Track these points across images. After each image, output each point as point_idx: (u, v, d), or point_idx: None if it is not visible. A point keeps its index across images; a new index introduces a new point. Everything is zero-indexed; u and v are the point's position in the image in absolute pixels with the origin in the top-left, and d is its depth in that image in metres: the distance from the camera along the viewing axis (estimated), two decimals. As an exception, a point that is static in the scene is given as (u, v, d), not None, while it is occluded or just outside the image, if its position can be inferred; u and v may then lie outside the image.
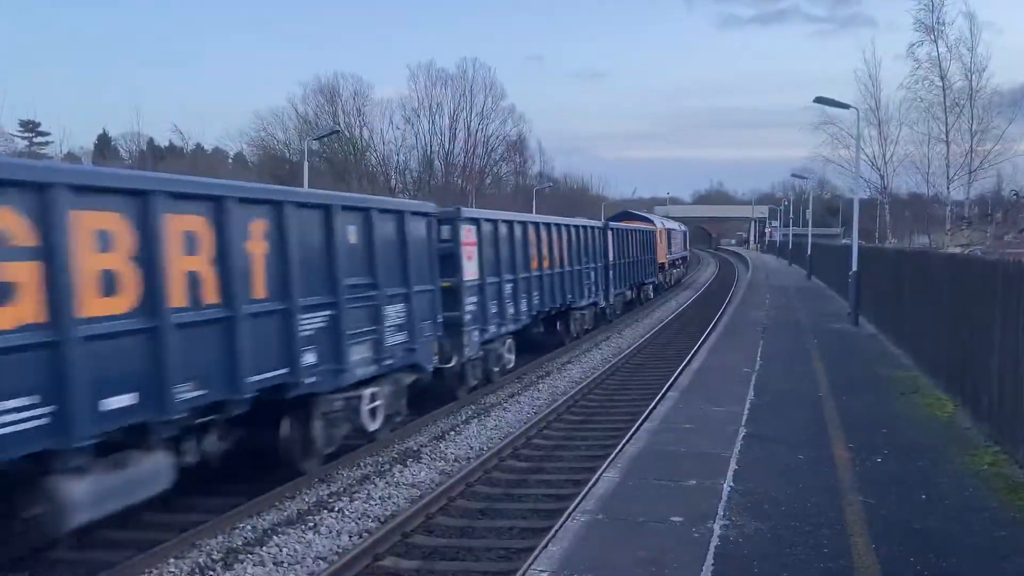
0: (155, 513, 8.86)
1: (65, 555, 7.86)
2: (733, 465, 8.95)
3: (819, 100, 26.52)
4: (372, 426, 11.55)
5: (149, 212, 7.58)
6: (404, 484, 10.59)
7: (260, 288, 9.05)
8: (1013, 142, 40.82)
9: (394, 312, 11.92)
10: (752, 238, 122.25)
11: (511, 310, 17.73)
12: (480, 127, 78.92)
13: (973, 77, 41.25)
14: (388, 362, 11.70)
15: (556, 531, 6.97)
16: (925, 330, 14.91)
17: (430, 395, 14.05)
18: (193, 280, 8.12)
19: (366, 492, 10.14)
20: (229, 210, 8.55)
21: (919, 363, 15.26)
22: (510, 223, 18.36)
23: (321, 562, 8.06)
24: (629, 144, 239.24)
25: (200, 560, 8.00)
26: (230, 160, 77.14)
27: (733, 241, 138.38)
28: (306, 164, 29.57)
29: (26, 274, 6.44)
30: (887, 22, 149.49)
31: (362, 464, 11.27)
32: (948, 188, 41.85)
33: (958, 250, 27.84)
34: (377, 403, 11.65)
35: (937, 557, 6.46)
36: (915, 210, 51.23)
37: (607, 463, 9.42)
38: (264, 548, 8.30)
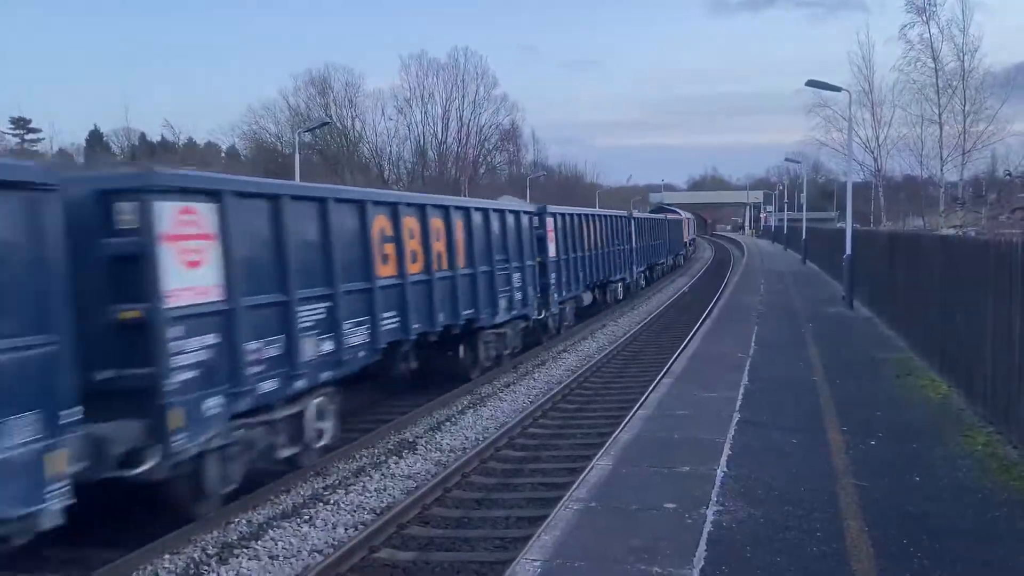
0: (149, 509, 8.83)
1: (60, 553, 7.85)
2: (727, 451, 8.94)
3: (811, 83, 26.45)
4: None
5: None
6: (400, 476, 10.58)
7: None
8: (1006, 123, 40.62)
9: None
10: (747, 223, 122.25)
11: (641, 256, 35.22)
12: (473, 116, 78.68)
13: (965, 58, 41.06)
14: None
15: (549, 521, 6.96)
16: (919, 312, 14.92)
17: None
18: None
19: (361, 484, 10.14)
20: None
21: (913, 345, 15.28)
22: (637, 219, 36.26)
23: (317, 555, 8.05)
24: (623, 131, 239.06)
25: (195, 555, 7.99)
26: (223, 154, 76.87)
27: (728, 227, 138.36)
28: (297, 157, 29.50)
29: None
30: (876, 4, 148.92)
31: (357, 456, 11.27)
32: (942, 170, 41.78)
33: (952, 231, 27.84)
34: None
35: (931, 539, 6.46)
36: (910, 192, 51.19)
37: (601, 451, 9.40)
38: (259, 542, 8.29)
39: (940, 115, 40.92)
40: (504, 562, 7.32)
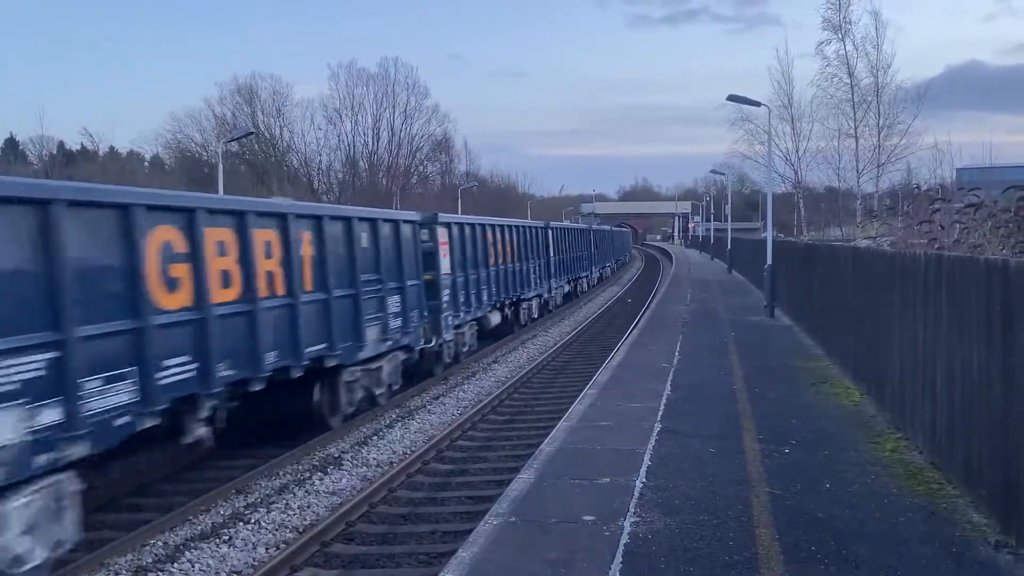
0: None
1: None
2: (647, 461, 9.09)
3: (732, 98, 27.13)
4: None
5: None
6: (324, 492, 10.48)
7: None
8: (918, 136, 42.33)
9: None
10: (676, 233, 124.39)
11: (596, 260, 46.70)
12: (404, 127, 78.47)
13: (879, 74, 42.74)
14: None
15: (468, 537, 6.97)
16: (834, 321, 15.41)
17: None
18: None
19: (284, 502, 10.01)
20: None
21: (829, 354, 15.76)
22: (594, 230, 48.75)
23: (236, 576, 7.93)
24: (554, 141, 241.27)
25: (108, 581, 7.79)
26: (146, 164, 74.96)
27: (658, 237, 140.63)
28: (220, 167, 28.99)
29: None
30: (792, 21, 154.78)
31: (280, 473, 11.12)
32: (859, 181, 43.29)
33: (868, 242, 28.77)
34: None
35: (838, 545, 6.68)
36: (830, 203, 52.76)
37: (524, 465, 9.46)
38: (176, 564, 8.13)
39: (856, 129, 42.47)
40: (427, 578, 7.34)
